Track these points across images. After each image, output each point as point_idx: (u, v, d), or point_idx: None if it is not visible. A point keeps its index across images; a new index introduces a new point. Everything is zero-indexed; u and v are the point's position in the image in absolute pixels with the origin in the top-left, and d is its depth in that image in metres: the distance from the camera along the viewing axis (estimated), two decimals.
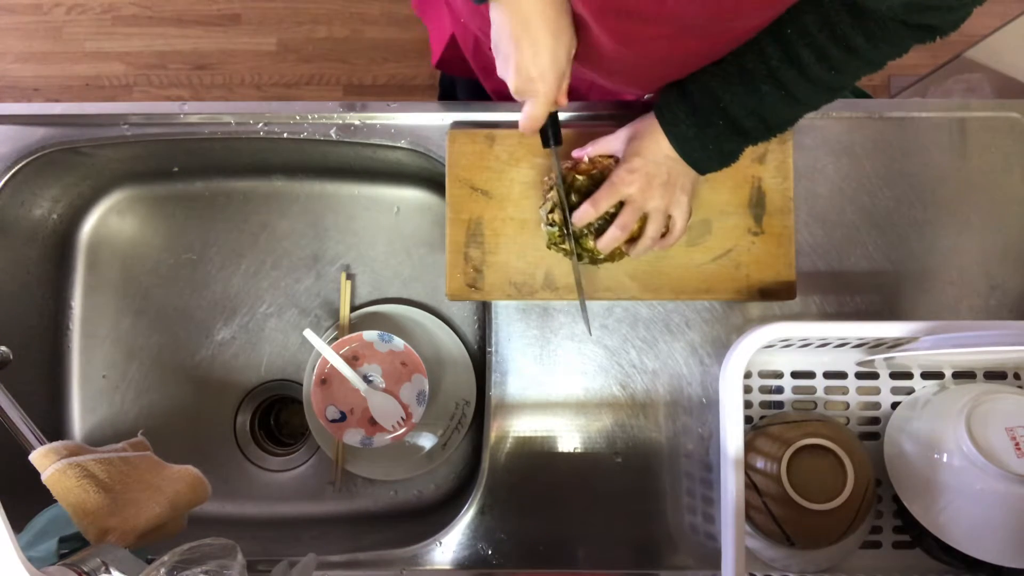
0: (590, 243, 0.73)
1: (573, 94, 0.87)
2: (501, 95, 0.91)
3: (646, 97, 0.83)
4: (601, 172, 0.72)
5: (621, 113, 0.83)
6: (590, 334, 0.81)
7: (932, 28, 0.59)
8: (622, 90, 0.82)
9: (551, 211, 0.75)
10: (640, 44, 0.63)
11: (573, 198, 0.73)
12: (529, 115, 0.65)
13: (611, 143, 0.73)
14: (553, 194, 0.74)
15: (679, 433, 0.81)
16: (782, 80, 0.63)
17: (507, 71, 0.63)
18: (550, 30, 0.60)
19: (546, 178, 0.77)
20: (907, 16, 0.58)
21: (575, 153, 0.75)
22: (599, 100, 0.85)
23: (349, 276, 0.97)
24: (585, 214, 0.71)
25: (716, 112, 0.66)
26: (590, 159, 0.74)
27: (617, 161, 0.73)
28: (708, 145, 0.68)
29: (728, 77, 0.65)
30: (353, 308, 0.97)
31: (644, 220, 0.72)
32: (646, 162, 0.69)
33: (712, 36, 0.62)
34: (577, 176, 0.73)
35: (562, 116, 0.83)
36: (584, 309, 0.78)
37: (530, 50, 0.60)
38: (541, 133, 0.70)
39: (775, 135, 0.69)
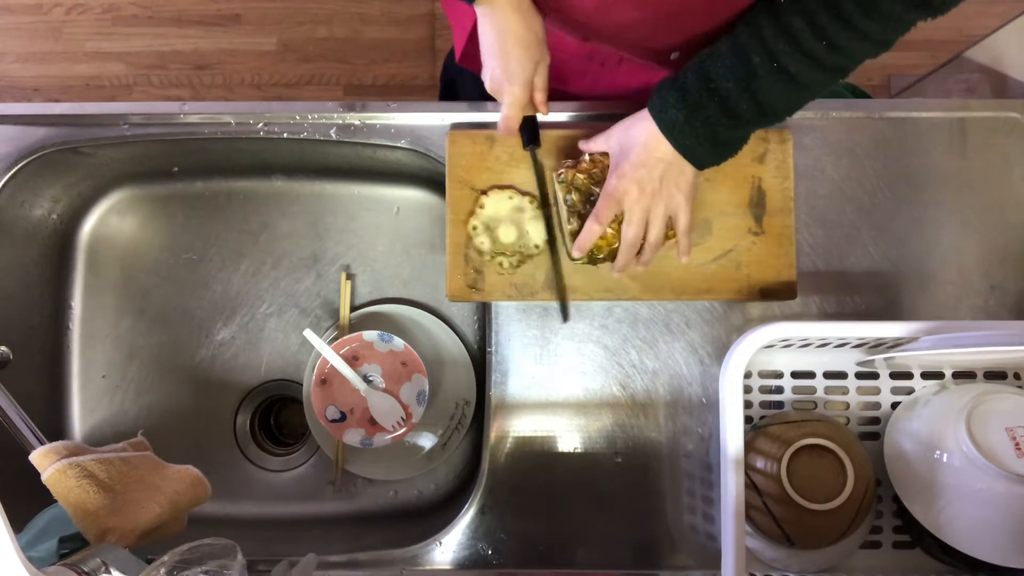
0: None
1: (605, 67, 0.86)
2: None
3: (673, 57, 0.79)
4: (602, 171, 0.72)
5: (622, 113, 0.83)
6: (564, 320, 0.82)
7: (926, 3, 0.58)
8: (651, 56, 0.80)
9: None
10: None
11: (574, 196, 0.73)
12: (503, 116, 0.73)
13: (599, 143, 0.74)
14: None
15: (679, 433, 0.81)
16: (774, 50, 0.61)
17: (485, 75, 0.72)
18: (519, 43, 0.69)
19: (553, 173, 0.77)
20: None
21: (580, 145, 0.75)
22: (601, 100, 0.85)
23: (349, 276, 0.97)
24: (592, 232, 0.71)
25: (705, 92, 0.65)
26: (591, 158, 0.74)
27: None
28: (699, 130, 0.66)
29: (719, 53, 0.64)
30: (353, 308, 0.97)
31: (645, 227, 0.72)
32: (635, 168, 0.69)
33: None
34: (578, 175, 0.73)
35: (564, 117, 0.83)
36: (564, 301, 0.81)
37: (501, 58, 0.69)
38: (521, 135, 0.76)
39: (770, 122, 0.67)
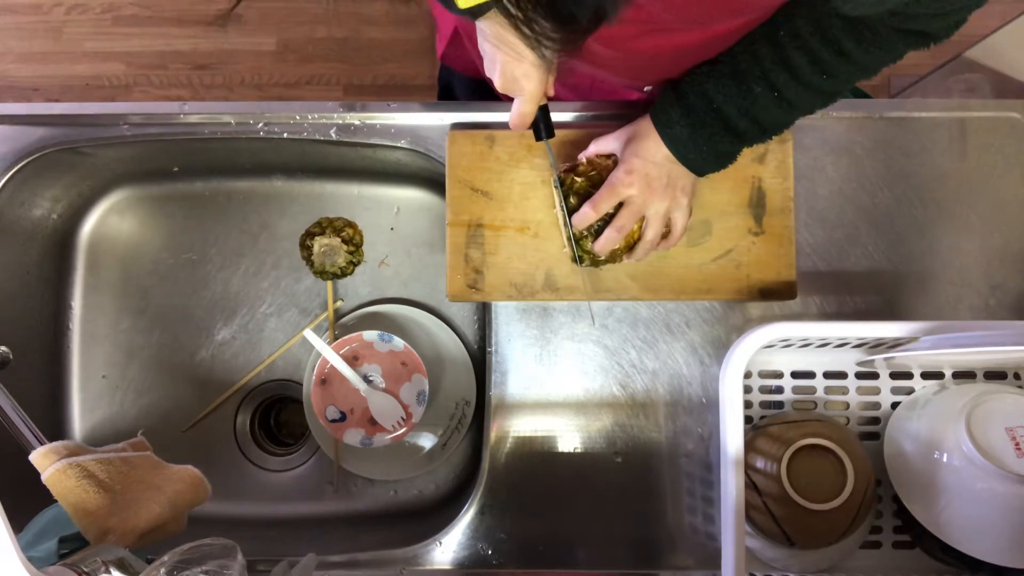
0: (589, 244, 0.73)
1: (576, 91, 0.87)
2: None
3: (646, 89, 0.83)
4: (599, 173, 0.72)
5: (622, 113, 0.83)
6: (593, 323, 0.81)
7: (925, 35, 0.59)
8: (623, 85, 0.81)
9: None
10: (621, 44, 0.63)
11: (572, 200, 0.73)
12: (518, 112, 0.66)
13: (609, 142, 0.73)
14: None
15: (679, 433, 0.81)
16: (774, 82, 0.62)
17: (493, 72, 0.64)
18: None
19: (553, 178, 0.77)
20: (894, 23, 0.57)
21: (590, 147, 0.75)
22: (600, 100, 0.85)
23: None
24: (585, 216, 0.71)
25: (709, 112, 0.66)
26: (587, 160, 0.74)
27: (615, 162, 0.73)
28: (702, 146, 0.68)
29: (721, 77, 0.65)
30: (353, 308, 0.97)
31: (642, 223, 0.72)
32: (645, 163, 0.69)
33: (692, 34, 0.62)
34: (576, 178, 0.73)
35: (565, 117, 0.83)
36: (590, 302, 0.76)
37: (513, 51, 0.60)
38: (533, 128, 0.70)
39: (770, 137, 0.69)
